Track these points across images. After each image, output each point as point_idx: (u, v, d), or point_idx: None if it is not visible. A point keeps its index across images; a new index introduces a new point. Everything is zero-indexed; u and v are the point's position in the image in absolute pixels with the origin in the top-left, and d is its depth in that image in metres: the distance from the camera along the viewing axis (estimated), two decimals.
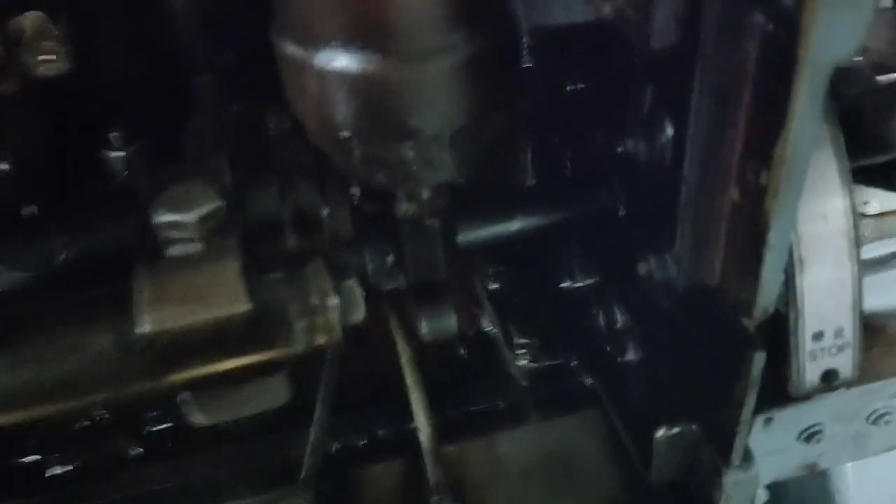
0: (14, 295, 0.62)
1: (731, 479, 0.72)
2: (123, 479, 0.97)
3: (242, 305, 0.55)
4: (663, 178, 0.63)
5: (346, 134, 0.58)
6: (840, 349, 0.63)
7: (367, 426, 0.98)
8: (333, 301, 0.59)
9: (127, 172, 0.88)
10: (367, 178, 0.63)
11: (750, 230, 0.58)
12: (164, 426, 1.03)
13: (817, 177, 0.60)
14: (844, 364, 0.64)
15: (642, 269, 0.65)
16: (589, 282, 1.02)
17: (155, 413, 1.03)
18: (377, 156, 0.60)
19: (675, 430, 0.76)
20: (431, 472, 0.86)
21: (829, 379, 0.64)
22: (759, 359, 0.62)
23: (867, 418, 0.78)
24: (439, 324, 0.78)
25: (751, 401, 0.65)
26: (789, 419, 0.75)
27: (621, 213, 0.82)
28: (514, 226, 0.86)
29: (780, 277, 0.58)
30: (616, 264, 0.90)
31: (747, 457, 0.72)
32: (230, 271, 0.56)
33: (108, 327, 0.55)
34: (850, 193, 0.60)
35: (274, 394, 0.63)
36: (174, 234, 0.58)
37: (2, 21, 0.69)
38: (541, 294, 1.07)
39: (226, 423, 0.93)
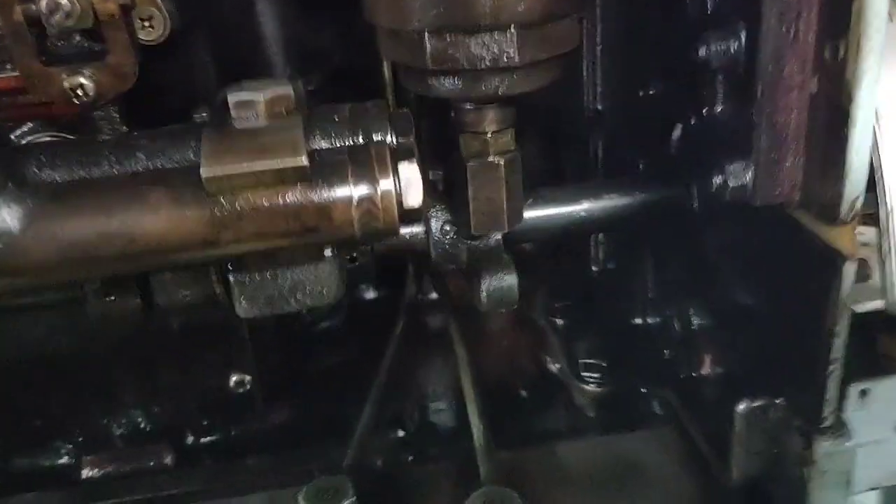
0: None
1: (824, 449, 0.63)
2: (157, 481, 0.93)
3: (300, 159, 0.54)
4: (737, 86, 0.61)
5: (417, 24, 0.60)
6: None
7: None
8: (389, 182, 0.56)
9: None
10: (437, 85, 0.64)
11: (831, 117, 0.55)
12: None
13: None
14: None
15: (717, 180, 0.62)
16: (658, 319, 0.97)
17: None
18: (447, 52, 0.61)
19: (758, 402, 0.69)
20: (483, 466, 0.79)
21: None
22: (850, 269, 0.56)
23: None
24: (500, 288, 0.75)
25: (843, 329, 0.58)
26: (887, 394, 0.67)
27: (694, 204, 0.79)
28: (582, 208, 0.83)
29: (867, 160, 0.54)
30: (690, 259, 0.86)
31: (841, 424, 0.64)
32: (292, 133, 0.56)
33: (172, 184, 0.55)
34: None
35: (323, 287, 0.60)
36: (244, 113, 0.59)
37: None
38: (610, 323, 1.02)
39: None
